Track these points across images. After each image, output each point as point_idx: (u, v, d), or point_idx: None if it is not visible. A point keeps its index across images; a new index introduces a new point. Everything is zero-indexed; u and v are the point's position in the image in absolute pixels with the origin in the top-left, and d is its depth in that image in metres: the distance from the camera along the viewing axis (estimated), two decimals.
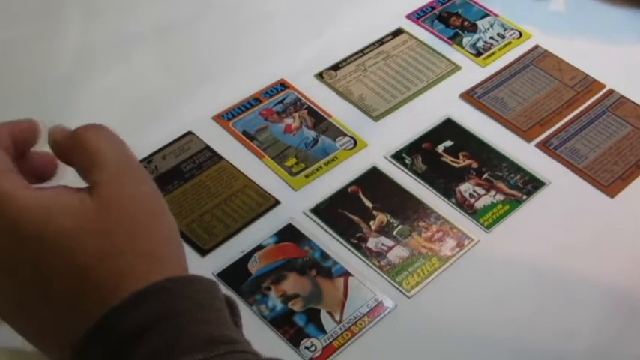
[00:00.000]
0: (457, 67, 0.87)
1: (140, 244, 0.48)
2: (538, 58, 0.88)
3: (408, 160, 0.77)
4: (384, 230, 0.71)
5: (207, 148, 0.76)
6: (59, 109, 0.79)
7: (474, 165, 0.77)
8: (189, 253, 0.67)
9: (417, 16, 0.92)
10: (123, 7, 0.91)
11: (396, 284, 0.67)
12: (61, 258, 0.47)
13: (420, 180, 0.75)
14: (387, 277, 0.67)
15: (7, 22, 0.88)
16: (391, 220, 0.71)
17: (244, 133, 0.78)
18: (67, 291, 0.47)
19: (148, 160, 0.74)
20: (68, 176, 0.54)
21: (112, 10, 0.91)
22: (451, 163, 0.77)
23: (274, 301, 0.65)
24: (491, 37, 0.90)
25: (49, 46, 0.86)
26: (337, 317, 0.64)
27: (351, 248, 0.69)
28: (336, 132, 0.79)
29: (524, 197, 0.74)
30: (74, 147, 0.52)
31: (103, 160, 0.50)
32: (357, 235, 0.70)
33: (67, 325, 0.47)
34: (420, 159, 0.77)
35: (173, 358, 0.45)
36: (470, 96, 0.83)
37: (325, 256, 0.68)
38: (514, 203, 0.74)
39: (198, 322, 0.47)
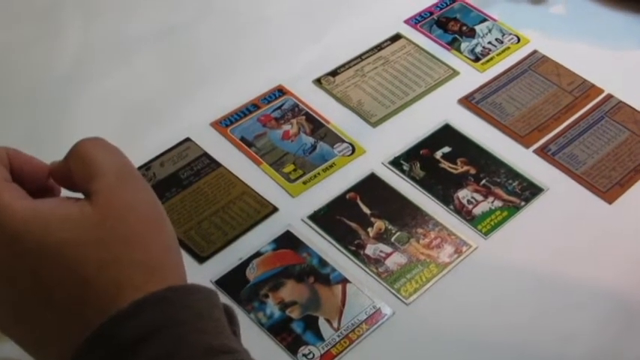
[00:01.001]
0: (455, 73, 0.87)
1: (139, 254, 0.48)
2: (536, 63, 0.88)
3: (406, 167, 0.76)
4: (382, 237, 0.71)
5: (205, 154, 0.76)
6: (58, 112, 0.79)
7: (472, 171, 0.77)
8: (187, 260, 0.67)
9: (415, 21, 0.92)
10: (122, 10, 0.91)
11: (394, 291, 0.67)
12: (61, 268, 0.47)
13: (418, 186, 0.75)
14: (385, 284, 0.67)
15: (7, 23, 0.88)
16: (389, 227, 0.71)
17: (242, 139, 0.78)
18: (67, 300, 0.47)
19: (146, 166, 0.74)
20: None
21: (111, 13, 0.91)
22: (449, 169, 0.77)
23: (272, 308, 0.65)
24: (489, 42, 0.90)
25: (49, 48, 0.86)
26: (335, 324, 0.64)
27: (349, 255, 0.69)
28: (334, 138, 0.79)
29: (523, 203, 0.74)
30: (71, 160, 0.52)
31: (100, 170, 0.50)
32: (355, 242, 0.70)
33: (67, 335, 0.46)
34: (418, 165, 0.77)
35: None
36: (468, 101, 0.83)
37: (323, 263, 0.68)
38: (512, 209, 0.74)
39: (198, 331, 0.47)
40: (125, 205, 0.50)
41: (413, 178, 0.75)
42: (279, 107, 0.81)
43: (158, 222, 0.52)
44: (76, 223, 0.47)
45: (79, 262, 0.47)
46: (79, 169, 0.51)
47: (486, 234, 0.72)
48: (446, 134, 0.80)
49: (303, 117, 0.80)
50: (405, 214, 0.72)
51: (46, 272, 0.47)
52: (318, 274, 0.67)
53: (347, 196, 0.74)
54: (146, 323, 0.46)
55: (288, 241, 0.69)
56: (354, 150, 0.78)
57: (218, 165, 0.75)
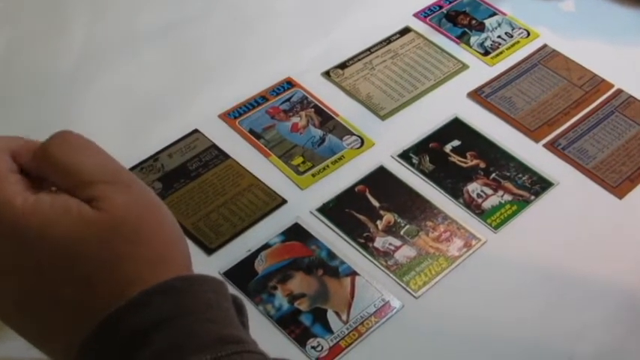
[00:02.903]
0: (465, 66, 0.86)
1: (143, 250, 0.48)
2: (546, 57, 0.87)
3: (415, 160, 0.76)
4: (391, 230, 0.70)
5: (214, 146, 0.76)
6: (65, 107, 0.79)
7: (482, 165, 0.76)
8: (196, 251, 0.67)
9: (425, 15, 0.92)
10: (129, 4, 0.91)
11: (403, 284, 0.67)
12: (63, 263, 0.46)
13: (427, 179, 0.75)
14: (394, 277, 0.67)
15: (14, 18, 0.88)
16: (398, 220, 0.71)
17: (251, 131, 0.77)
18: (73, 294, 0.46)
19: (154, 158, 0.74)
20: None
21: (118, 6, 0.90)
22: (459, 162, 0.76)
23: (281, 300, 0.65)
24: (499, 36, 0.90)
25: (56, 43, 0.85)
26: (344, 317, 0.64)
27: (358, 248, 0.69)
28: (343, 131, 0.78)
29: (532, 197, 0.74)
30: (47, 168, 0.49)
31: (85, 176, 0.48)
32: (364, 235, 0.70)
33: (74, 328, 0.46)
34: (428, 158, 0.76)
35: (181, 358, 0.44)
36: (477, 95, 0.83)
37: (332, 255, 0.68)
38: (522, 203, 0.73)
39: (206, 321, 0.47)
40: (122, 205, 0.48)
41: (422, 172, 0.75)
42: (288, 99, 0.81)
43: (157, 216, 0.51)
44: (75, 218, 0.47)
45: (81, 258, 0.46)
46: (59, 176, 0.49)
47: (496, 228, 0.71)
48: (455, 128, 0.80)
49: (312, 109, 0.80)
50: (414, 208, 0.72)
51: (49, 267, 0.46)
52: (327, 266, 0.67)
53: (356, 189, 0.73)
54: (153, 313, 0.46)
55: (296, 233, 0.69)
56: (363, 143, 0.77)
57: (226, 157, 0.75)
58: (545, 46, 0.89)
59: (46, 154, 0.50)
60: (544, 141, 0.79)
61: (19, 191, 0.48)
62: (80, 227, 0.47)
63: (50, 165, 0.49)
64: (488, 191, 0.74)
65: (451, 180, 0.75)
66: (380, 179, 0.74)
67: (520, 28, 0.91)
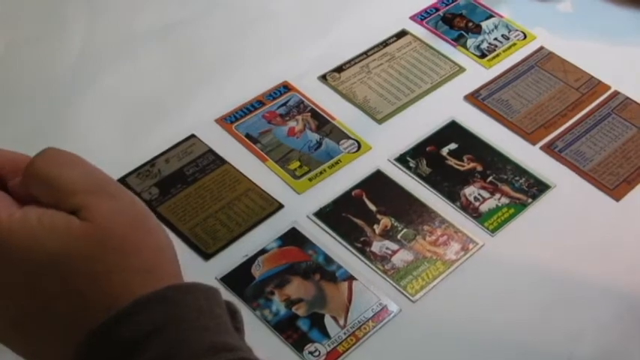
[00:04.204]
0: (461, 69, 0.86)
1: (132, 261, 0.47)
2: (543, 59, 0.87)
3: (412, 163, 0.76)
4: (388, 234, 0.70)
5: (211, 151, 0.76)
6: (63, 108, 0.79)
7: (479, 168, 0.76)
8: (192, 257, 0.67)
9: (421, 18, 0.92)
10: (127, 5, 0.91)
11: (400, 288, 0.67)
12: (54, 279, 0.46)
13: (424, 183, 0.75)
14: (391, 282, 0.67)
15: (13, 20, 0.88)
16: (395, 224, 0.71)
17: (247, 136, 0.77)
18: (65, 310, 0.46)
19: (151, 163, 0.74)
20: None
21: (116, 9, 0.91)
22: (455, 166, 0.76)
23: (278, 305, 0.65)
24: (495, 39, 0.90)
25: (54, 45, 0.86)
26: (341, 322, 0.64)
27: (355, 252, 0.69)
28: (339, 135, 0.78)
29: (530, 200, 0.74)
30: (33, 183, 0.49)
31: (70, 186, 0.48)
32: (361, 239, 0.70)
33: (68, 342, 0.46)
34: (425, 162, 0.76)
35: None
36: (474, 98, 0.83)
37: (329, 260, 0.68)
38: (519, 206, 0.73)
39: (199, 329, 0.47)
40: (107, 215, 0.48)
41: (419, 175, 0.75)
42: (285, 104, 0.81)
43: (144, 224, 0.50)
44: (63, 233, 0.46)
45: (72, 273, 0.46)
46: (44, 193, 0.49)
47: (493, 231, 0.71)
48: (452, 131, 0.80)
49: (309, 113, 0.80)
50: (411, 211, 0.72)
51: (39, 283, 0.46)
52: (324, 271, 0.67)
53: (353, 193, 0.73)
54: (147, 322, 0.45)
55: (293, 238, 0.69)
56: (359, 147, 0.77)
57: (223, 162, 0.75)
58: (541, 48, 0.89)
59: (31, 169, 0.49)
60: (541, 143, 0.79)
61: (4, 207, 0.47)
62: (68, 242, 0.46)
63: (36, 179, 0.49)
64: (485, 194, 0.74)
65: (448, 183, 0.75)
66: (377, 183, 0.74)
67: (517, 31, 0.91)
